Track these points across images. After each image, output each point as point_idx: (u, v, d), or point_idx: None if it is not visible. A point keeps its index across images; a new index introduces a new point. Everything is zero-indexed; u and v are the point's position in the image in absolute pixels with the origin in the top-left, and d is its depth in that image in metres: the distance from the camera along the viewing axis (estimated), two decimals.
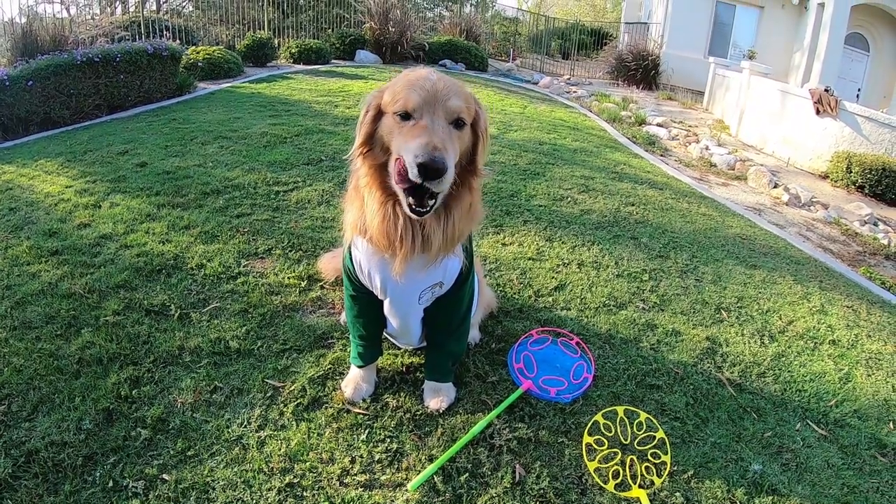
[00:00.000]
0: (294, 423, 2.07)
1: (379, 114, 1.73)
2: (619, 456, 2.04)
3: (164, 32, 10.65)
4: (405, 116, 1.63)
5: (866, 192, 8.41)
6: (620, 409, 2.24)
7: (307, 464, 1.90)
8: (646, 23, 19.26)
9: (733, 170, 8.43)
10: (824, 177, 9.05)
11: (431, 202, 1.63)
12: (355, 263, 2.02)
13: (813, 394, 2.60)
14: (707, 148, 9.18)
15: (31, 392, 2.17)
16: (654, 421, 2.20)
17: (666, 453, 2.06)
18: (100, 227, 3.54)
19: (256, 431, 2.03)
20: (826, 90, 9.48)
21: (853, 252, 5.87)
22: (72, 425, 2.01)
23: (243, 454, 1.94)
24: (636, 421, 2.19)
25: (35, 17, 8.58)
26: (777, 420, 2.39)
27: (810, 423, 2.41)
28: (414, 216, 1.66)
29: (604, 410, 2.23)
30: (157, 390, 2.20)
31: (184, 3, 17.90)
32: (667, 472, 2.01)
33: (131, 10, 13.59)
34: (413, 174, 1.52)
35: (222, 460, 1.91)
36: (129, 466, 1.87)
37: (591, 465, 2.00)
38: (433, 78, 1.66)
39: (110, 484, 1.81)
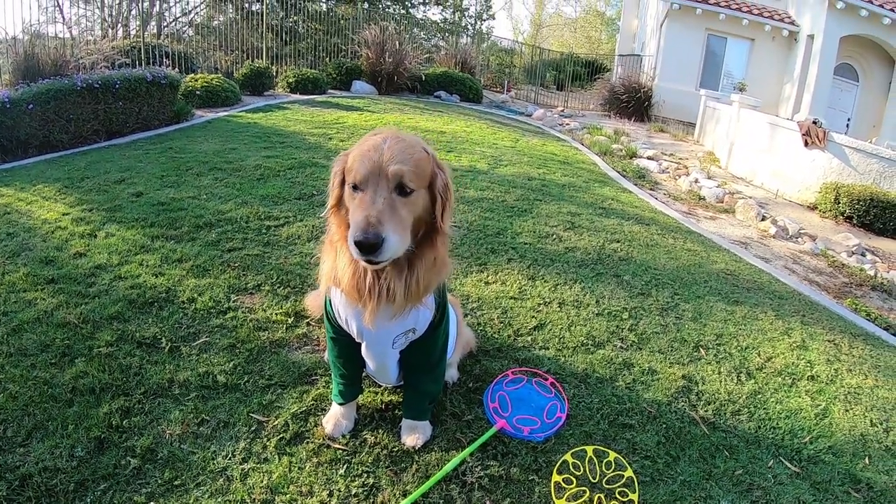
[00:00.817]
0: (276, 456, 2.15)
1: (344, 180, 1.83)
2: (587, 494, 2.11)
3: (164, 59, 10.85)
4: (355, 188, 1.73)
5: (854, 222, 8.48)
6: (590, 449, 2.31)
7: (287, 496, 1.99)
8: (639, 55, 19.64)
9: (722, 202, 8.49)
10: (813, 208, 9.12)
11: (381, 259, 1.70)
12: (334, 310, 2.14)
13: (788, 430, 2.62)
14: (696, 181, 9.27)
15: (25, 418, 2.24)
16: (624, 460, 2.27)
17: (634, 492, 2.12)
18: (95, 256, 3.63)
19: (240, 464, 2.11)
20: (814, 122, 9.59)
21: (839, 284, 5.87)
22: (65, 452, 2.09)
23: (227, 485, 2.02)
24: (605, 460, 2.26)
25: (37, 36, 8.73)
26: (749, 457, 2.41)
27: (783, 459, 2.43)
28: (370, 267, 1.76)
29: (573, 450, 2.31)
30: (147, 421, 2.29)
31: (184, 29, 18.22)
32: None
33: (132, 33, 13.81)
34: (354, 252, 1.64)
35: (207, 490, 1.99)
36: (118, 494, 1.95)
37: (559, 503, 2.07)
38: (384, 147, 1.73)
39: None
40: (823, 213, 8.85)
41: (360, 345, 2.19)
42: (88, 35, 12.81)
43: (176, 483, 2.02)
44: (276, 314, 3.11)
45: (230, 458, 2.14)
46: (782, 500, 2.21)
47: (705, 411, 2.69)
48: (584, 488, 2.14)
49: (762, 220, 7.77)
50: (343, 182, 1.84)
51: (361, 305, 1.91)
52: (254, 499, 1.97)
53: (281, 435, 2.26)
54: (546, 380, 2.75)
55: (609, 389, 2.76)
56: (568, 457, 2.26)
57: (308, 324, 3.07)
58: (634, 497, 2.12)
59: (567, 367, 2.92)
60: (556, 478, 2.17)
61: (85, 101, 7.13)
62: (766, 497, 2.22)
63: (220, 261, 3.68)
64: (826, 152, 9.32)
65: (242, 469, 2.09)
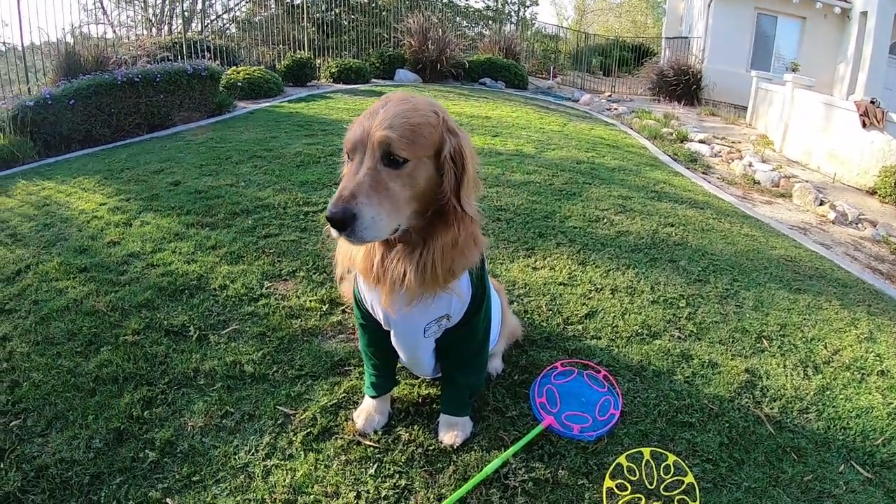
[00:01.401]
0: (302, 452, 1.99)
1: None
2: (643, 502, 1.89)
3: (206, 54, 10.92)
4: (350, 156, 1.55)
5: None
6: (647, 451, 2.08)
7: (311, 497, 1.82)
8: (686, 37, 18.95)
9: (777, 187, 8.13)
10: (872, 192, 8.63)
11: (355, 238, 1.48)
12: (361, 293, 1.96)
13: (859, 431, 2.38)
14: (750, 164, 8.90)
15: (46, 408, 2.16)
16: (683, 464, 2.04)
17: (695, 500, 1.90)
18: (129, 245, 3.57)
19: (263, 460, 1.96)
20: (872, 102, 9.08)
21: None
22: (82, 443, 1.99)
23: (248, 483, 1.87)
24: (664, 464, 2.03)
25: (81, 38, 8.89)
26: (819, 461, 2.18)
27: (855, 464, 2.19)
28: (353, 241, 1.50)
29: (628, 452, 2.08)
30: (169, 412, 2.17)
31: (227, 25, 18.46)
32: None
33: (175, 31, 14.02)
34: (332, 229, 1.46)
35: (226, 488, 1.85)
36: (133, 488, 1.83)
37: None
38: (380, 110, 1.51)
39: None
40: (883, 197, 8.34)
41: (389, 333, 1.99)
42: (132, 35, 13.06)
43: (194, 479, 1.88)
44: (311, 301, 2.97)
45: (253, 454, 1.99)
46: None
47: (771, 409, 2.45)
48: (639, 495, 1.91)
49: (820, 204, 7.41)
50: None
51: (378, 288, 1.74)
52: (275, 499, 1.81)
53: (308, 429, 2.09)
54: (598, 372, 2.52)
55: (666, 383, 2.53)
56: (622, 459, 2.03)
57: (343, 311, 2.91)
58: None
59: (620, 358, 2.70)
60: (608, 483, 1.94)
61: (126, 94, 7.21)
62: None
63: (255, 247, 3.56)
64: (885, 133, 8.77)
65: (265, 465, 1.94)
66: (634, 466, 2.01)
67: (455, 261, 1.67)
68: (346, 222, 1.41)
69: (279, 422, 2.13)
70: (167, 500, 1.80)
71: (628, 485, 1.95)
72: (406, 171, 1.50)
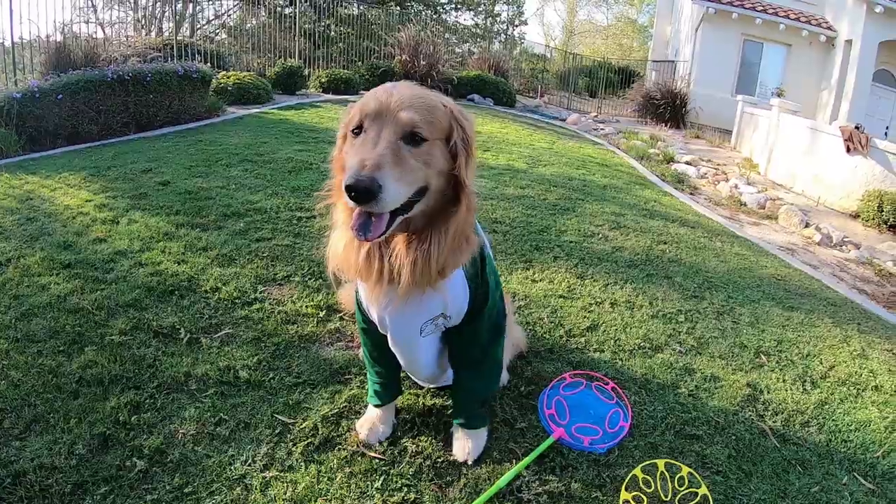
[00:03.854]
0: (303, 464, 1.89)
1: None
2: None
3: (196, 56, 10.79)
4: (356, 131, 1.49)
5: None
6: (661, 463, 2.02)
7: None
8: (673, 61, 19.24)
9: (763, 209, 8.21)
10: (855, 216, 8.72)
11: (380, 228, 1.44)
12: (360, 294, 1.88)
13: (859, 444, 2.39)
14: (736, 186, 8.97)
15: (25, 409, 2.03)
16: (697, 476, 1.99)
17: None
18: (116, 242, 3.45)
19: (261, 471, 1.85)
20: (857, 127, 9.20)
21: (888, 293, 5.57)
22: (64, 449, 1.86)
23: (245, 496, 1.76)
24: (677, 476, 1.98)
25: (70, 35, 8.70)
26: (823, 473, 2.17)
27: (857, 476, 2.19)
28: (357, 238, 1.48)
29: (643, 464, 2.02)
30: (158, 418, 2.05)
31: (217, 31, 18.32)
32: None
33: (165, 33, 13.87)
34: (345, 198, 1.38)
35: (221, 500, 1.73)
36: (120, 499, 1.71)
37: None
38: (394, 90, 1.51)
39: None
40: (866, 221, 8.44)
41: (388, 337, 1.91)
42: (122, 35, 12.87)
43: (186, 490, 1.76)
44: (307, 307, 2.86)
45: (250, 465, 1.87)
46: None
47: (774, 422, 2.44)
48: None
49: (806, 226, 7.48)
50: (347, 135, 1.59)
51: (366, 285, 1.68)
52: None
53: (309, 440, 1.99)
54: (607, 384, 2.47)
55: (671, 396, 2.50)
56: (637, 471, 1.97)
57: (341, 318, 2.81)
58: None
59: (625, 371, 2.66)
60: (624, 495, 1.88)
61: (115, 92, 7.05)
62: None
63: (248, 250, 3.45)
64: (869, 159, 8.90)
65: (263, 477, 1.83)
66: (649, 478, 1.96)
67: (449, 255, 1.61)
68: (372, 192, 1.34)
69: (277, 431, 2.02)
70: None
71: (644, 497, 1.89)
72: (424, 150, 1.49)
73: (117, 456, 1.86)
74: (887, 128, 15.88)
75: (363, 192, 1.33)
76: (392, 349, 1.94)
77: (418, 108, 1.48)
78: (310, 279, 3.17)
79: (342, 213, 1.63)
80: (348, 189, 1.34)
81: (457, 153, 1.57)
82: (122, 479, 1.78)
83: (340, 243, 1.63)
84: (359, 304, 1.92)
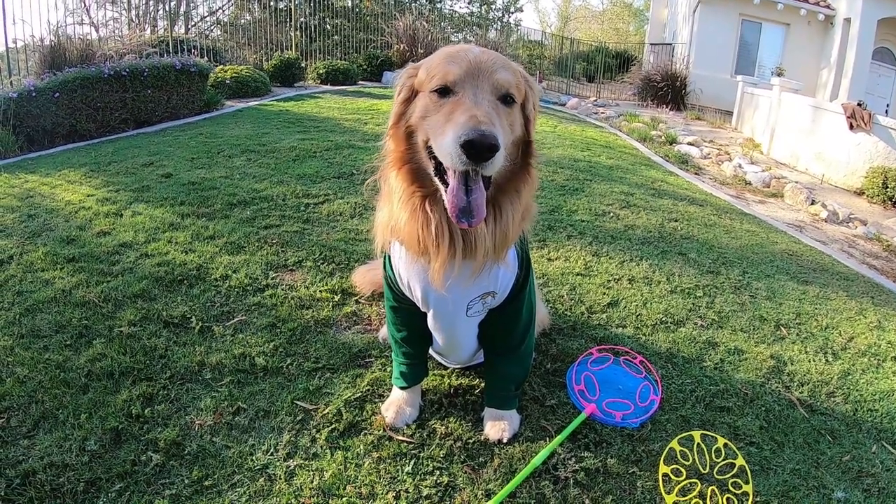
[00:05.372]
0: (328, 451, 1.81)
1: (413, 95, 1.51)
2: (698, 487, 1.78)
3: (192, 52, 10.67)
4: (443, 92, 1.40)
5: None
6: (697, 435, 1.96)
7: (344, 499, 1.64)
8: (670, 44, 19.10)
9: (768, 187, 8.19)
10: (860, 193, 8.71)
11: (482, 207, 1.38)
12: (394, 270, 1.78)
13: (884, 413, 2.36)
14: (740, 166, 8.95)
15: (33, 406, 1.95)
16: (733, 447, 1.93)
17: (747, 482, 1.80)
18: (120, 235, 3.36)
19: (285, 460, 1.77)
20: (859, 104, 9.18)
21: None
22: (75, 445, 1.78)
23: (269, 486, 1.68)
24: (714, 447, 1.92)
25: (64, 36, 8.57)
26: (852, 442, 2.15)
27: (885, 444, 2.18)
28: (462, 225, 1.40)
29: (680, 436, 1.95)
30: (173, 410, 1.97)
31: (211, 27, 18.17)
32: None
33: (160, 31, 13.73)
34: (455, 161, 1.29)
35: (244, 493, 1.65)
36: (136, 496, 1.63)
37: (669, 499, 1.73)
38: (476, 50, 1.45)
39: None
40: (871, 198, 8.43)
41: (425, 315, 1.82)
42: (116, 35, 12.73)
43: (206, 483, 1.68)
44: (321, 291, 2.78)
45: (272, 454, 1.79)
46: (894, 487, 1.97)
47: (800, 393, 2.43)
48: (694, 480, 1.80)
49: (812, 203, 7.49)
50: (410, 98, 1.50)
51: (426, 260, 1.56)
52: (302, 502, 1.62)
53: (332, 426, 1.91)
54: (635, 358, 2.40)
55: (698, 370, 2.46)
56: (675, 444, 1.90)
57: (357, 301, 2.74)
58: (748, 489, 1.79)
59: (649, 346, 2.61)
60: (663, 468, 1.81)
61: (112, 89, 6.93)
62: (878, 485, 1.97)
63: (257, 237, 3.37)
64: (872, 135, 8.89)
65: (287, 466, 1.74)
66: (686, 451, 1.90)
67: (518, 224, 1.56)
68: (495, 148, 1.27)
69: (299, 418, 1.94)
70: None
71: (683, 470, 1.83)
72: (514, 111, 1.48)
73: (131, 450, 1.78)
74: (888, 105, 15.77)
75: (487, 147, 1.26)
76: (431, 329, 1.87)
77: (508, 70, 1.46)
78: (322, 264, 3.09)
79: (402, 183, 1.53)
80: (468, 145, 1.25)
81: (528, 117, 1.55)
82: (137, 474, 1.70)
83: (403, 216, 1.52)
84: (389, 280, 1.84)
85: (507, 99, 1.44)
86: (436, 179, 1.46)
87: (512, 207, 1.52)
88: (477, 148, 1.25)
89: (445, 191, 1.41)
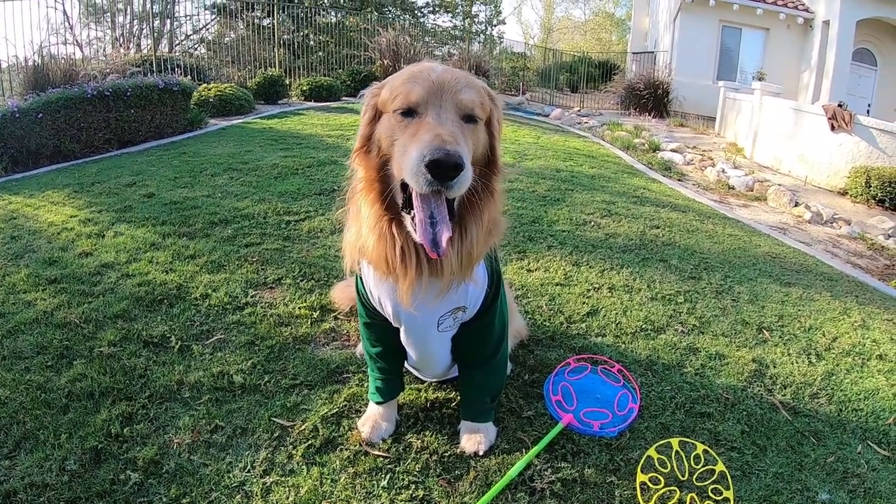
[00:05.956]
0: (304, 467, 1.82)
1: (377, 114, 1.53)
2: (677, 495, 1.80)
3: (176, 70, 10.69)
4: (407, 113, 1.41)
5: (887, 205, 8.11)
6: (675, 442, 1.99)
7: None
8: (652, 52, 19.32)
9: (752, 191, 8.27)
10: (843, 193, 8.80)
11: (446, 231, 1.39)
12: (366, 288, 1.80)
13: (869, 412, 2.40)
14: (723, 171, 9.03)
15: (14, 427, 1.96)
16: (713, 452, 1.96)
17: (728, 488, 1.83)
18: (102, 255, 3.37)
19: (261, 477, 1.78)
20: (840, 105, 9.29)
21: (882, 266, 5.71)
22: (55, 465, 1.79)
23: (246, 503, 1.69)
24: (693, 454, 1.94)
25: (48, 56, 8.57)
26: (837, 443, 2.18)
27: (871, 444, 2.20)
28: (433, 254, 1.41)
29: (657, 444, 1.98)
30: (152, 428, 1.98)
31: (196, 45, 18.20)
32: None
33: (144, 50, 13.75)
34: (421, 181, 1.29)
35: None
36: None
37: None
38: (438, 69, 1.46)
39: None
40: (854, 197, 8.51)
41: (398, 330, 1.84)
42: (101, 55, 12.75)
43: (184, 501, 1.70)
44: (300, 308, 2.80)
45: (249, 471, 1.81)
46: (880, 488, 1.98)
47: (783, 395, 2.46)
48: (672, 488, 1.83)
49: (795, 205, 7.56)
50: (374, 118, 1.52)
51: (393, 279, 1.58)
52: None
53: (309, 442, 1.92)
54: (612, 367, 2.43)
55: (678, 376, 2.49)
56: (652, 452, 1.93)
57: (336, 318, 2.75)
58: (729, 494, 1.81)
59: (629, 353, 2.64)
60: (641, 477, 1.83)
61: (96, 109, 6.93)
62: (864, 485, 1.99)
63: (237, 256, 3.39)
64: (853, 135, 9.00)
65: (264, 483, 1.76)
66: (665, 458, 1.92)
67: (485, 241, 1.57)
68: (460, 167, 1.28)
69: (276, 435, 1.96)
70: None
71: (661, 478, 1.85)
72: (479, 129, 1.49)
73: (111, 470, 1.79)
74: (869, 105, 15.99)
75: (453, 166, 1.27)
76: (404, 344, 1.88)
77: (471, 89, 1.46)
78: (301, 281, 3.11)
79: (370, 207, 1.54)
80: (434, 164, 1.26)
81: (493, 133, 1.55)
82: (116, 493, 1.71)
83: (371, 238, 1.53)
84: (361, 297, 1.86)
85: (470, 118, 1.45)
86: (403, 211, 1.47)
87: (476, 226, 1.53)
88: (442, 167, 1.26)
89: (412, 220, 1.42)
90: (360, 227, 1.58)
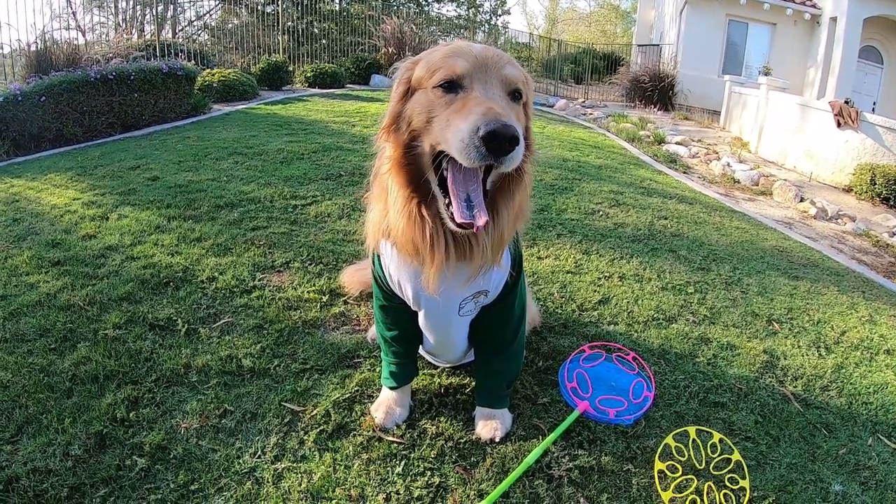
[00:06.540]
0: (317, 453, 1.78)
1: (409, 92, 1.45)
2: (694, 483, 1.77)
3: (179, 56, 10.60)
4: (449, 88, 1.34)
5: (892, 203, 8.07)
6: (692, 430, 1.95)
7: (333, 502, 1.61)
8: (658, 44, 19.17)
9: (757, 185, 8.23)
10: (848, 190, 8.75)
11: (483, 210, 1.34)
12: (384, 270, 1.75)
13: (879, 405, 2.38)
14: (729, 164, 8.98)
15: (16, 411, 1.91)
16: (729, 442, 1.92)
17: (744, 478, 1.80)
18: (106, 238, 3.32)
19: (272, 463, 1.74)
20: (846, 102, 9.23)
21: (886, 263, 5.71)
22: (59, 450, 1.74)
23: (257, 489, 1.65)
24: (709, 442, 1.91)
25: (51, 40, 8.49)
26: (848, 436, 2.16)
27: (881, 437, 2.19)
28: (459, 230, 1.36)
29: (675, 432, 1.94)
30: (158, 413, 1.93)
31: (199, 31, 18.08)
32: (747, 500, 1.74)
33: (147, 35, 13.65)
34: (473, 155, 1.22)
35: (231, 496, 1.62)
36: (121, 501, 1.59)
37: (666, 496, 1.71)
38: (478, 46, 1.40)
39: None
40: (859, 194, 8.46)
41: (415, 314, 1.79)
42: (103, 40, 12.64)
43: (192, 487, 1.65)
44: (309, 292, 2.75)
45: (259, 457, 1.76)
46: (891, 480, 1.96)
47: (795, 387, 2.43)
48: (690, 476, 1.79)
49: (801, 201, 7.52)
50: (406, 94, 1.45)
51: (419, 263, 1.51)
52: None
53: (321, 427, 1.88)
54: (627, 355, 2.40)
55: (691, 366, 2.46)
56: (669, 440, 1.89)
57: (345, 302, 2.71)
58: (745, 484, 1.78)
59: (641, 342, 2.61)
60: (659, 465, 1.80)
61: (99, 93, 6.86)
62: (876, 477, 1.97)
63: (244, 239, 3.34)
64: (859, 132, 8.93)
65: (275, 469, 1.72)
66: (682, 446, 1.89)
67: (514, 224, 1.53)
68: (516, 139, 1.22)
69: (286, 420, 1.92)
70: None
71: (679, 466, 1.82)
72: (520, 108, 1.44)
73: (116, 455, 1.74)
74: (875, 103, 15.90)
75: (509, 139, 1.21)
76: (422, 328, 1.84)
77: (515, 66, 1.41)
78: (310, 265, 3.06)
79: (399, 188, 1.47)
80: (490, 136, 1.20)
81: (528, 115, 1.51)
82: (122, 479, 1.67)
83: (400, 221, 1.46)
84: (378, 279, 1.81)
85: (515, 95, 1.40)
86: (436, 188, 1.42)
87: (507, 210, 1.48)
88: (499, 139, 1.20)
89: (447, 206, 1.38)
90: (385, 208, 1.52)
